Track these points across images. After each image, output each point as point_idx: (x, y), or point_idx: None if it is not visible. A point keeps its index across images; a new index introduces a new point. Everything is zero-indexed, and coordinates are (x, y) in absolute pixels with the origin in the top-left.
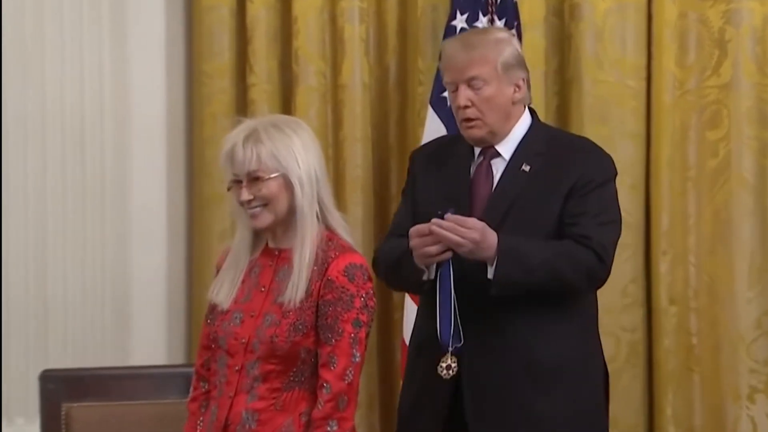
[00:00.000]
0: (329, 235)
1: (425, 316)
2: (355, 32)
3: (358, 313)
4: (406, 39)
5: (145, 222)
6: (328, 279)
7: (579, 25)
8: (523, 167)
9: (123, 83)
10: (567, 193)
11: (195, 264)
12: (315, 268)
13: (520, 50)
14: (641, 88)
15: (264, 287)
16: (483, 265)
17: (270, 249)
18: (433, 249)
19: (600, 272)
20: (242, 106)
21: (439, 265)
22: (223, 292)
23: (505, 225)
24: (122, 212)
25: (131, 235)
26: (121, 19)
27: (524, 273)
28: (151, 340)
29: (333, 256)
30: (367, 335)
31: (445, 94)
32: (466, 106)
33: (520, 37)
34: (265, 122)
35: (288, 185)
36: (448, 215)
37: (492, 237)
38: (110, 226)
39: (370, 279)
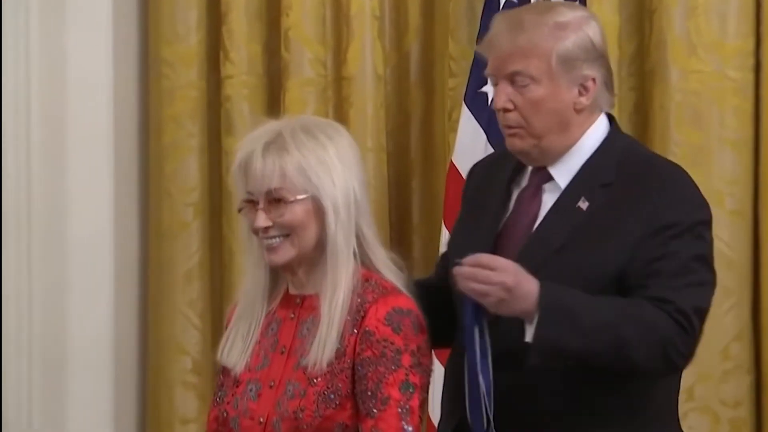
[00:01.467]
0: (367, 274)
1: (449, 390)
2: (366, 6)
3: (407, 374)
4: (433, 15)
5: (85, 260)
6: (365, 331)
7: None
8: (580, 203)
9: (54, 75)
10: (635, 242)
11: (151, 315)
12: (348, 318)
13: (596, 38)
14: (747, 81)
15: (285, 348)
16: (519, 324)
17: (291, 296)
18: None
19: (682, 347)
20: (214, 105)
21: (463, 328)
22: (235, 352)
23: (542, 276)
24: (55, 247)
25: (68, 278)
26: None
27: (574, 336)
28: (91, 416)
29: (371, 300)
30: (423, 403)
31: (486, 88)
32: (506, 109)
33: None
34: (293, 125)
35: (318, 210)
36: (469, 258)
37: (530, 284)
38: (39, 265)
39: (422, 329)
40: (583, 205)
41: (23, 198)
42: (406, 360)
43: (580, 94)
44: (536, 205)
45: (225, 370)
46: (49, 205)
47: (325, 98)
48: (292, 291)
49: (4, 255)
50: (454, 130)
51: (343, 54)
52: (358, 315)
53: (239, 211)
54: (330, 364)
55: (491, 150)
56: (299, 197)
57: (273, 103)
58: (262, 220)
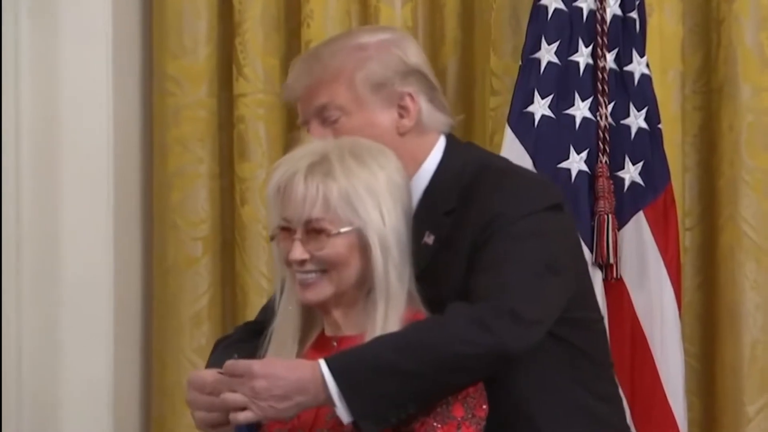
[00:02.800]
0: (412, 315)
1: None
2: (397, 16)
3: (459, 427)
4: (472, 26)
5: (81, 301)
6: None
7: (733, 4)
8: (426, 239)
9: (46, 93)
10: (468, 254)
11: (155, 362)
12: None
13: (407, 56)
14: None
15: None
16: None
17: (326, 338)
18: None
19: (493, 317)
20: (226, 127)
21: None
22: None
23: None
24: (48, 286)
25: (62, 321)
26: None
27: (391, 383)
28: None
29: None
30: None
31: (531, 108)
32: None
33: (644, 22)
34: (341, 148)
35: (362, 246)
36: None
37: (302, 370)
38: (30, 306)
39: None
40: (429, 239)
41: (12, 231)
42: (458, 410)
43: (401, 116)
44: None
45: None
46: (42, 239)
47: None
48: (328, 332)
49: None
50: (497, 152)
51: None
52: None
53: (271, 239)
54: None
55: None
56: (343, 230)
57: (292, 125)
58: (299, 252)
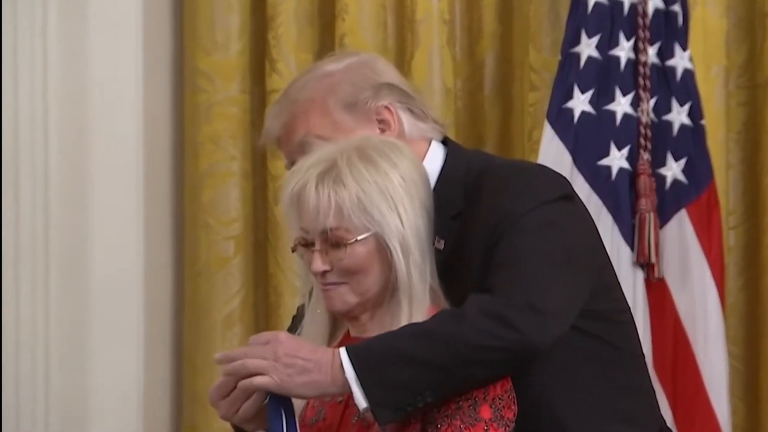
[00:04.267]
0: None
1: None
2: (434, 9)
3: (486, 428)
4: (511, 20)
5: (111, 303)
6: None
7: None
8: (436, 244)
9: (75, 90)
10: (481, 260)
11: (186, 366)
12: None
13: (375, 73)
14: None
15: (342, 397)
16: None
17: (351, 339)
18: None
19: (515, 312)
20: (259, 124)
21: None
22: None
23: None
24: (76, 289)
25: (91, 324)
26: None
27: (408, 371)
28: None
29: None
30: None
31: (571, 104)
32: None
33: (686, 15)
34: (349, 151)
35: (382, 249)
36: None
37: (324, 351)
38: (58, 309)
39: (504, 376)
40: (440, 245)
41: (40, 232)
42: (486, 412)
43: (383, 130)
44: None
45: None
46: (71, 240)
47: None
48: (354, 333)
49: (20, 297)
50: (535, 151)
51: (407, 64)
52: None
53: (293, 250)
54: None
55: (578, 174)
56: (360, 237)
57: None
58: (320, 264)
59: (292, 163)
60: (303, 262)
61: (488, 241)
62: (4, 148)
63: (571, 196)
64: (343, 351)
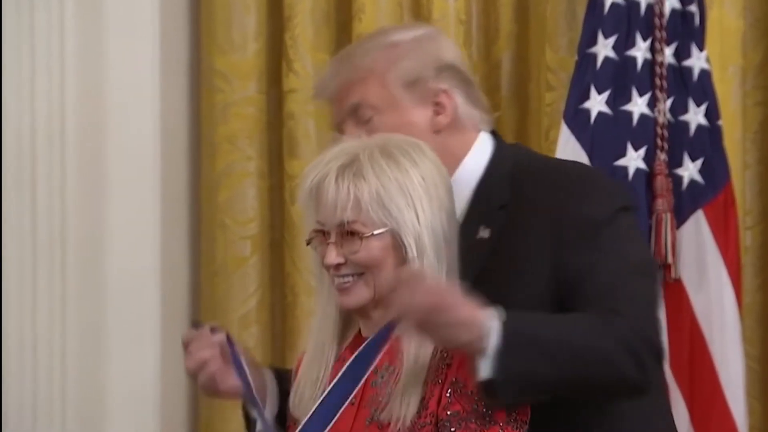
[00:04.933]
0: None
1: None
2: (450, 9)
3: (501, 431)
4: (527, 20)
5: (127, 303)
6: (453, 382)
7: None
8: (481, 233)
9: (92, 90)
10: (552, 255)
11: None
12: (431, 365)
13: (442, 52)
14: None
15: (355, 399)
16: None
17: (363, 339)
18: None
19: (646, 352)
20: (276, 124)
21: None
22: (304, 402)
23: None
24: (92, 288)
25: (107, 324)
26: None
27: (543, 362)
28: None
29: None
30: None
31: (588, 104)
32: None
33: (703, 16)
34: (371, 147)
35: (398, 246)
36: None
37: (472, 311)
38: (74, 309)
39: None
40: (484, 233)
41: (57, 232)
42: (500, 416)
43: (437, 113)
44: None
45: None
46: (87, 240)
47: None
48: (365, 333)
49: (36, 297)
50: (552, 151)
51: None
52: (442, 363)
53: (308, 243)
54: (413, 420)
55: None
56: (376, 232)
57: None
58: (333, 256)
59: (338, 124)
60: (317, 256)
61: (558, 239)
62: (22, 149)
63: (634, 206)
64: (495, 316)
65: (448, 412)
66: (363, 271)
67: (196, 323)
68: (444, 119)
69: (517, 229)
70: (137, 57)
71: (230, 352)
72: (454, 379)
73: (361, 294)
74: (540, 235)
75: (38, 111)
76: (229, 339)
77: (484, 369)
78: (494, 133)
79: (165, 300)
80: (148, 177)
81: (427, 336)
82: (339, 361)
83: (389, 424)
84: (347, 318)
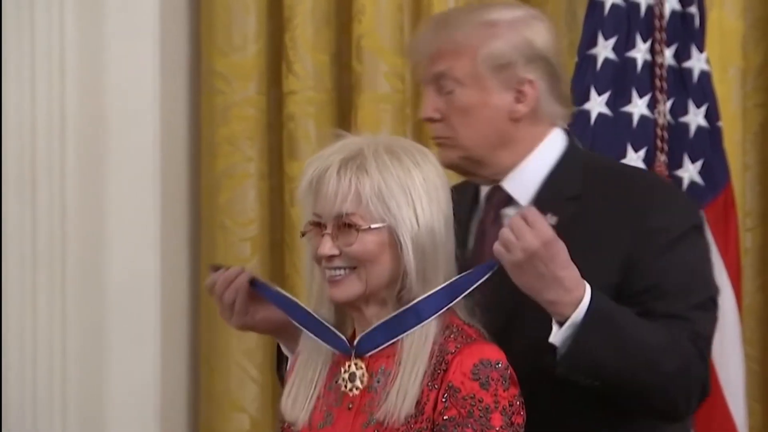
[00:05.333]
0: (448, 320)
1: None
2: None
3: None
4: None
5: (127, 304)
6: (449, 386)
7: None
8: (548, 220)
9: (93, 92)
10: (625, 252)
11: (203, 367)
12: (427, 370)
13: (537, 39)
14: None
15: (352, 403)
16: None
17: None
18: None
19: (700, 375)
20: (276, 125)
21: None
22: (298, 404)
23: (519, 316)
24: (92, 290)
25: (107, 325)
26: None
27: (612, 351)
28: None
29: (453, 350)
30: None
31: (588, 105)
32: (432, 119)
33: (703, 17)
34: (376, 144)
35: (394, 244)
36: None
37: (571, 272)
38: (74, 311)
39: (513, 382)
40: (552, 220)
41: (57, 234)
42: (497, 420)
43: (518, 100)
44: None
45: (286, 429)
46: (87, 241)
47: (403, 117)
48: (360, 333)
49: (36, 299)
50: None
51: None
52: (438, 367)
53: (302, 235)
54: (407, 422)
55: None
56: (374, 226)
57: (342, 122)
58: (328, 247)
59: (420, 84)
60: (310, 247)
61: (633, 243)
62: (22, 152)
63: (704, 224)
64: (589, 291)
65: (445, 417)
66: (356, 264)
67: (215, 267)
68: (523, 108)
69: (589, 222)
70: (137, 58)
71: (258, 289)
72: (450, 384)
73: (352, 287)
74: (613, 232)
75: (38, 112)
76: (252, 281)
77: (556, 335)
78: (567, 131)
79: (165, 301)
80: (149, 178)
81: (517, 276)
82: (333, 365)
83: (386, 427)
84: (341, 319)
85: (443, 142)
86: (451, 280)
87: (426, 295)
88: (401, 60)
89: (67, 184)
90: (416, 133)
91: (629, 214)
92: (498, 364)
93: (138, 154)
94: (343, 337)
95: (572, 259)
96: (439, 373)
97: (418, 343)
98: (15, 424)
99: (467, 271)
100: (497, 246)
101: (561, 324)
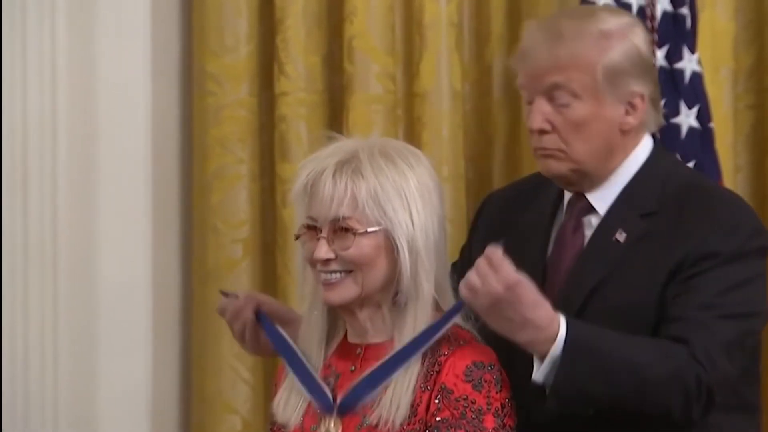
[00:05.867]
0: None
1: None
2: (442, 13)
3: None
4: (519, 23)
5: (119, 306)
6: (442, 388)
7: None
8: (617, 235)
9: (83, 92)
10: (670, 273)
11: (195, 369)
12: (420, 372)
13: (643, 48)
14: None
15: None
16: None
17: (350, 345)
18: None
19: (697, 380)
20: (267, 127)
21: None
22: (290, 407)
23: (582, 318)
24: (84, 292)
25: (99, 328)
26: None
27: (597, 379)
28: None
29: (446, 352)
30: None
31: None
32: (542, 131)
33: (695, 18)
34: (371, 147)
35: (390, 247)
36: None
37: (545, 313)
38: (66, 313)
39: (505, 384)
40: (620, 237)
41: (48, 236)
42: (489, 421)
43: (627, 113)
44: (579, 240)
45: (275, 429)
46: (79, 243)
47: (395, 118)
48: (352, 339)
49: (28, 302)
50: None
51: (416, 67)
52: (432, 369)
53: (297, 238)
54: (402, 424)
55: None
56: (370, 230)
57: (334, 124)
58: (324, 251)
59: (528, 96)
60: (304, 251)
61: (682, 266)
62: (13, 153)
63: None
64: (563, 323)
65: (438, 419)
66: (352, 268)
67: (226, 293)
68: (633, 121)
69: (653, 243)
70: (129, 60)
71: (260, 323)
72: (443, 386)
73: (348, 291)
74: (671, 256)
75: (30, 114)
76: (257, 313)
77: (539, 373)
78: (655, 140)
79: (156, 303)
80: (140, 180)
81: (487, 320)
82: (326, 367)
83: (381, 425)
84: (333, 323)
85: (553, 153)
86: (427, 327)
87: (402, 345)
88: (393, 61)
89: (58, 185)
90: (407, 134)
91: (689, 235)
92: (491, 366)
93: (129, 156)
94: (328, 394)
95: (631, 277)
96: (432, 375)
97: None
98: (8, 427)
99: (441, 317)
100: (463, 289)
101: (542, 360)
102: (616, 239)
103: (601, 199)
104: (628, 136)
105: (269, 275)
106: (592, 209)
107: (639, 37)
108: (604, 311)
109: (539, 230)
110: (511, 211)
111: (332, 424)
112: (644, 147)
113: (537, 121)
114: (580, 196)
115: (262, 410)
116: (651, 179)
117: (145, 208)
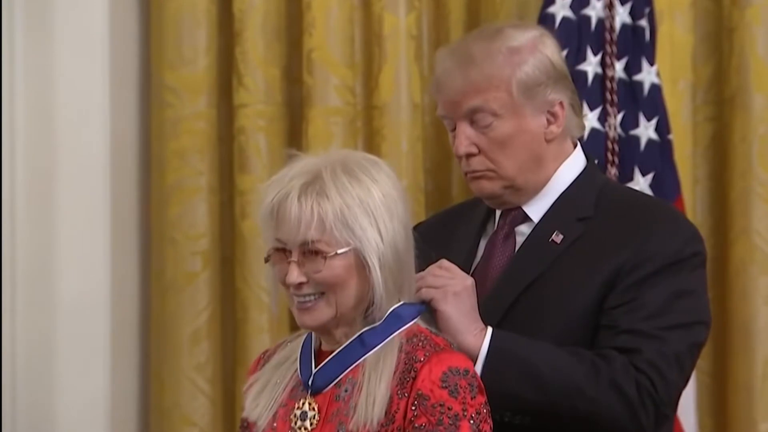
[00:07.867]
0: (412, 329)
1: None
2: (401, 25)
3: None
4: None
5: (77, 319)
6: (418, 394)
7: (746, 12)
8: (554, 237)
9: (41, 104)
10: (608, 278)
11: (153, 381)
12: (395, 378)
13: (554, 57)
14: None
15: (318, 415)
16: None
17: (324, 353)
18: None
19: (648, 402)
20: (226, 139)
21: None
22: (261, 404)
23: (507, 320)
24: (42, 305)
25: (57, 340)
26: (40, 5)
27: (527, 386)
28: None
29: (422, 358)
30: None
31: None
32: (470, 154)
33: (654, 30)
34: (333, 164)
35: (360, 264)
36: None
37: (477, 325)
38: (24, 325)
39: (480, 390)
40: (557, 238)
41: (7, 246)
42: (465, 427)
43: (549, 122)
44: (510, 247)
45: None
46: (36, 255)
47: (354, 130)
48: (326, 347)
49: None
50: None
51: (375, 79)
52: (407, 375)
53: (266, 261)
54: (380, 426)
55: None
56: (340, 251)
57: (293, 136)
58: (296, 275)
59: (450, 122)
60: (275, 274)
61: (631, 262)
62: None
63: (705, 256)
64: (489, 336)
65: (415, 425)
66: (325, 290)
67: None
68: (556, 129)
69: (592, 245)
70: (87, 72)
71: None
72: (419, 393)
73: (322, 313)
74: (611, 260)
75: None
76: None
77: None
78: (587, 154)
79: (115, 314)
80: (98, 192)
81: (448, 308)
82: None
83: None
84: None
85: (484, 174)
86: (393, 308)
87: (371, 326)
88: (352, 73)
89: (16, 197)
90: (367, 146)
91: (632, 237)
92: (466, 372)
93: (88, 168)
94: (312, 369)
95: (568, 275)
96: (408, 381)
97: (381, 360)
98: None
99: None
100: (424, 291)
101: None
102: (553, 240)
103: (536, 208)
104: (553, 144)
105: (228, 287)
106: (526, 218)
107: (549, 48)
108: (535, 306)
109: (466, 244)
110: (441, 234)
111: (307, 406)
112: (576, 159)
113: (463, 146)
114: (514, 209)
115: (221, 422)
116: (587, 188)
117: (103, 220)
